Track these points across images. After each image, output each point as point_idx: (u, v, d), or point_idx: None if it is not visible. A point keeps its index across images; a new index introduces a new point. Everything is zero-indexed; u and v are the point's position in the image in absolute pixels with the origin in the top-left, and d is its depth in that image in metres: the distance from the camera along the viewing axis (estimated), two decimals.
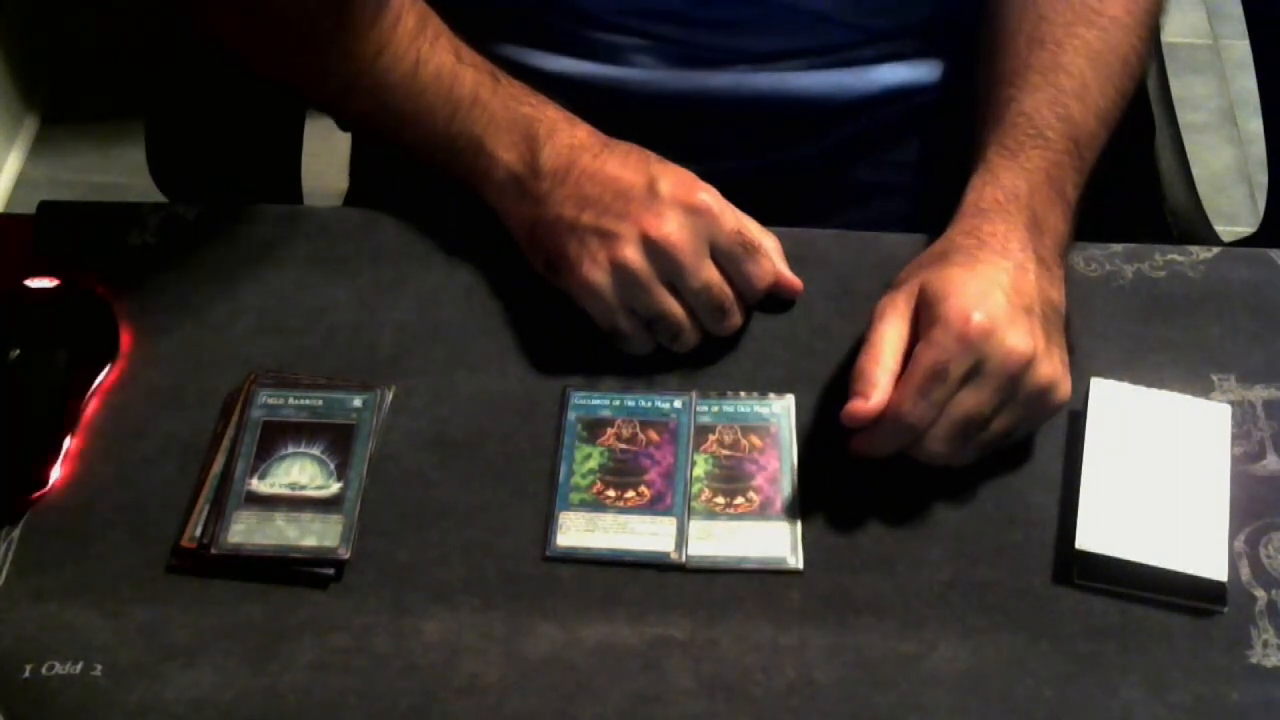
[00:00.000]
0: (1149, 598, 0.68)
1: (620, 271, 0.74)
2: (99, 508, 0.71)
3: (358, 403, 0.74)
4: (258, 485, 0.71)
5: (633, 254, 0.73)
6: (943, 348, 0.67)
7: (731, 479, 0.72)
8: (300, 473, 0.72)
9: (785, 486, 0.72)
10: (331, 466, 0.72)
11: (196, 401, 0.75)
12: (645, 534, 0.70)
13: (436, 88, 0.79)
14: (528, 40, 0.89)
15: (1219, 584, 0.67)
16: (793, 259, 0.79)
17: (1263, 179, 1.04)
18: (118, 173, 1.88)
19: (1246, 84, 1.08)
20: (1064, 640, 0.67)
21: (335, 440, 0.73)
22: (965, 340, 0.67)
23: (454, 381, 0.76)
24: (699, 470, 0.72)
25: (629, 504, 0.71)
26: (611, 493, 0.72)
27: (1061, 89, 0.78)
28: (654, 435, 0.74)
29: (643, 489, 0.72)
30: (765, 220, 0.77)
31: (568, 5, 0.87)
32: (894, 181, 0.94)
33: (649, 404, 0.75)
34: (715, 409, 0.75)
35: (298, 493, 0.71)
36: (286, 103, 1.03)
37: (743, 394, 0.75)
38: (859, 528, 0.71)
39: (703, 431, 0.74)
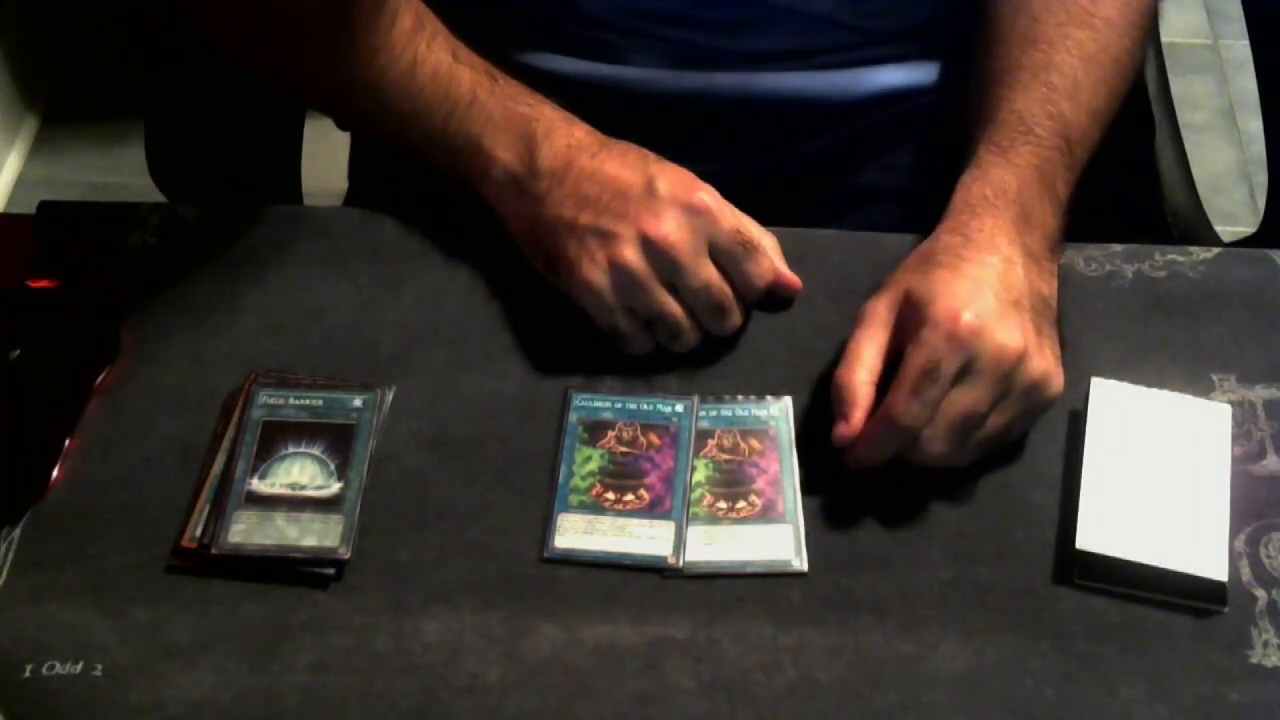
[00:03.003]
0: (1149, 598, 0.68)
1: (619, 271, 0.74)
2: (99, 508, 0.71)
3: (358, 403, 0.74)
4: (258, 485, 0.71)
5: (631, 254, 0.73)
6: (933, 347, 0.68)
7: (732, 483, 0.72)
8: (300, 473, 0.72)
9: (787, 489, 0.72)
10: (332, 466, 0.72)
11: (196, 401, 0.75)
12: (644, 538, 0.70)
13: (434, 87, 0.79)
14: (528, 40, 0.89)
15: (1219, 584, 0.67)
16: (793, 259, 0.79)
17: (1263, 179, 1.04)
18: (118, 173, 1.88)
19: (1246, 84, 1.08)
20: (1064, 640, 0.67)
21: (335, 440, 0.73)
22: (955, 339, 0.67)
23: (454, 382, 0.76)
24: (699, 476, 0.72)
25: (628, 507, 0.71)
26: (611, 495, 0.71)
27: (1053, 88, 0.78)
28: (655, 439, 0.73)
29: (642, 492, 0.71)
30: (765, 222, 0.77)
31: (568, 5, 0.87)
32: (894, 185, 0.94)
33: (650, 407, 0.75)
34: (713, 413, 0.75)
35: (298, 493, 0.71)
36: (286, 103, 1.03)
37: (740, 397, 0.75)
38: (859, 528, 0.71)
39: (701, 436, 0.74)
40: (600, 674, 0.66)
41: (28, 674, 0.65)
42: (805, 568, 0.69)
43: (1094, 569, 0.68)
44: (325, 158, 1.10)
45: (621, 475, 0.72)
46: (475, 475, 0.73)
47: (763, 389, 0.76)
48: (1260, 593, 0.68)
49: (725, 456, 0.73)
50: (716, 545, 0.70)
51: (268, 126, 1.02)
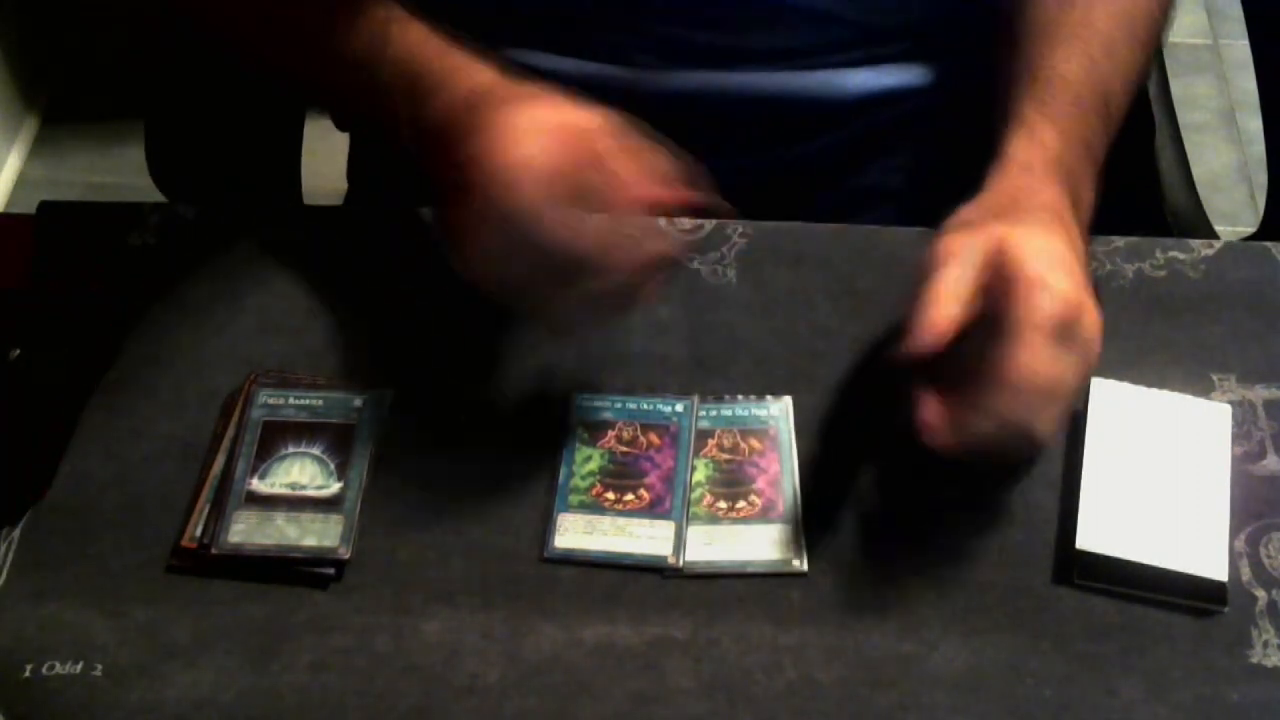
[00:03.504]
0: (1149, 598, 0.68)
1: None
2: (99, 508, 0.71)
3: (358, 403, 0.74)
4: (258, 485, 0.71)
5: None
6: (1049, 308, 0.64)
7: (732, 483, 0.72)
8: (300, 472, 0.72)
9: (787, 489, 0.72)
10: (332, 466, 0.72)
11: (196, 401, 0.75)
12: (643, 537, 0.70)
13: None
14: (528, 40, 0.89)
15: (1219, 584, 0.67)
16: (793, 256, 0.79)
17: (1263, 179, 1.04)
18: (118, 173, 1.88)
19: (1246, 84, 1.08)
20: (1064, 640, 0.67)
21: (335, 440, 0.73)
22: (1069, 303, 0.64)
23: (455, 381, 0.76)
24: (699, 475, 0.72)
25: (628, 507, 0.71)
26: (611, 495, 0.71)
27: (1092, 46, 0.78)
28: (655, 438, 0.73)
29: (642, 492, 0.71)
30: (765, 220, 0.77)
31: (568, 4, 0.87)
32: (895, 186, 0.94)
33: (650, 407, 0.75)
34: (713, 413, 0.74)
35: (298, 492, 0.71)
36: (286, 103, 1.03)
37: (740, 397, 0.75)
38: (859, 528, 0.71)
39: (702, 436, 0.74)
40: (600, 674, 0.66)
41: (28, 674, 0.65)
42: (805, 568, 0.69)
43: (1094, 569, 0.68)
44: (325, 158, 1.10)
45: (621, 475, 0.72)
46: (475, 475, 0.73)
47: (763, 389, 0.76)
48: (1260, 593, 0.68)
49: (725, 456, 0.73)
50: (716, 545, 0.70)
51: (268, 126, 1.02)
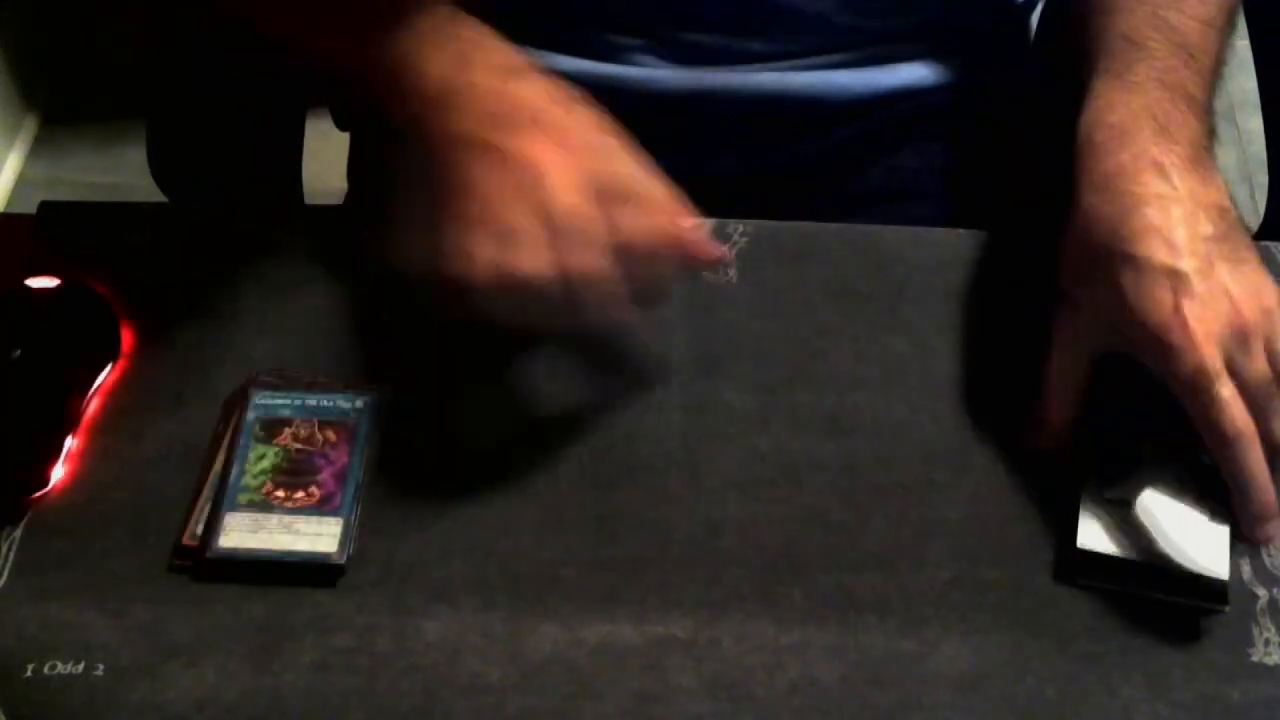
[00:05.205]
0: (1151, 597, 0.68)
1: None
2: (100, 507, 0.71)
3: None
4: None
5: None
6: (1182, 369, 0.66)
7: (297, 473, 0.71)
8: None
9: (350, 484, 0.71)
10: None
11: (196, 401, 0.75)
12: (309, 535, 0.69)
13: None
14: (528, 39, 0.89)
15: (1221, 583, 0.67)
16: (793, 256, 0.79)
17: (1263, 179, 1.04)
18: (118, 173, 1.88)
19: (1246, 84, 1.08)
20: (1065, 639, 0.67)
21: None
22: (1204, 347, 0.66)
23: (454, 381, 0.76)
24: (265, 464, 0.71)
25: (298, 504, 0.70)
26: (281, 493, 0.71)
27: (1156, 4, 0.76)
28: (332, 435, 0.73)
29: (313, 489, 0.71)
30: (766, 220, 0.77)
31: (568, 3, 0.87)
32: (898, 186, 0.94)
33: (330, 403, 0.74)
34: (296, 401, 0.74)
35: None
36: (287, 103, 1.03)
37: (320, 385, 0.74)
38: (859, 528, 0.71)
39: (280, 424, 0.73)
40: (602, 673, 0.66)
41: (29, 674, 0.65)
42: (344, 561, 0.68)
43: (1095, 568, 0.68)
44: (325, 158, 1.10)
45: (294, 473, 0.71)
46: (475, 475, 0.73)
47: (763, 388, 0.76)
48: (1261, 591, 0.68)
49: (298, 446, 0.72)
50: (260, 534, 0.69)
51: (268, 126, 1.02)
